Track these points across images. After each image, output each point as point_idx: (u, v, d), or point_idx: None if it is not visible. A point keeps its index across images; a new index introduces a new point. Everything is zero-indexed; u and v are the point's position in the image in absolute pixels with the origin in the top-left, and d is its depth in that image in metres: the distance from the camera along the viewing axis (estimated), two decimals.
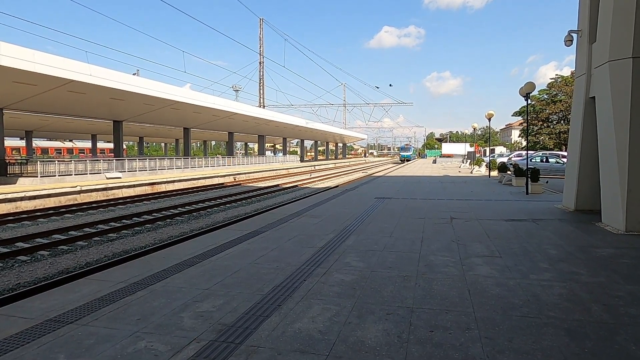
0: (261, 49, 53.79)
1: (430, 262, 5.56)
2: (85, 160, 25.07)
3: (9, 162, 23.19)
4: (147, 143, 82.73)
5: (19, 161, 24.54)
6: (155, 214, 14.49)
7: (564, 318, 3.69)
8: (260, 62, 54.52)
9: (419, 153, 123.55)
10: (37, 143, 53.83)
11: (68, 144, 60.89)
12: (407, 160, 72.62)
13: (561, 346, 3.16)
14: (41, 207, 16.27)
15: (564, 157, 23.63)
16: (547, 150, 44.33)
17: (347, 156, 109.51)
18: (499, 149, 59.27)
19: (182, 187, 25.07)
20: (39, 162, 21.44)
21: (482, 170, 27.93)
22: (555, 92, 53.63)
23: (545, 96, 54.83)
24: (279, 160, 54.81)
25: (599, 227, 7.90)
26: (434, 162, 55.27)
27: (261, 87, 55.01)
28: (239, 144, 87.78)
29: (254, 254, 6.06)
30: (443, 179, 22.38)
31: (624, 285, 4.57)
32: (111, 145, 46.27)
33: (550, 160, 25.14)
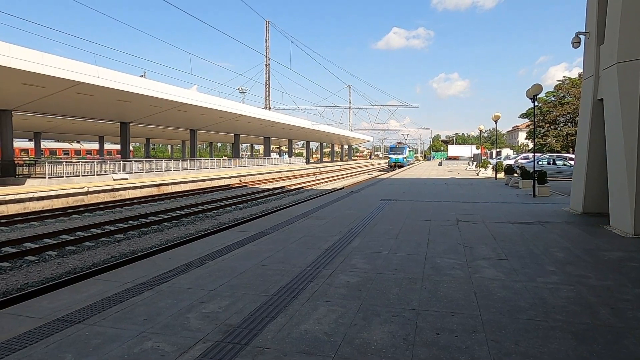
0: (267, 51, 53.98)
1: (436, 264, 5.54)
2: (93, 162, 25.27)
3: (18, 163, 23.40)
4: (154, 144, 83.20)
5: (28, 162, 24.75)
6: (161, 215, 14.57)
7: (571, 321, 3.66)
8: (266, 64, 54.71)
9: (424, 155, 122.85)
10: (45, 144, 54.35)
11: (76, 146, 61.41)
12: (400, 166, 49.69)
13: (568, 350, 3.14)
14: (49, 207, 16.42)
15: (571, 159, 23.44)
16: (554, 152, 44.06)
17: (352, 158, 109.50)
18: (506, 151, 58.94)
19: (188, 189, 25.18)
20: (47, 163, 21.64)
21: (489, 173, 27.79)
22: (562, 94, 53.30)
23: (553, 98, 54.51)
24: (284, 162, 54.89)
25: (607, 230, 7.83)
26: (440, 164, 54.99)
27: (267, 89, 55.18)
28: (244, 146, 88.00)
29: (260, 255, 6.08)
30: (449, 181, 22.29)
31: (632, 288, 4.52)
32: (118, 147, 46.65)
33: (557, 162, 24.96)
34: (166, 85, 25.93)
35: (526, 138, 74.75)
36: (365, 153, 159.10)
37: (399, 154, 53.82)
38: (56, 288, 5.49)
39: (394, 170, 44.23)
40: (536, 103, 14.17)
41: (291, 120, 48.06)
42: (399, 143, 60.20)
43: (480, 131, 37.31)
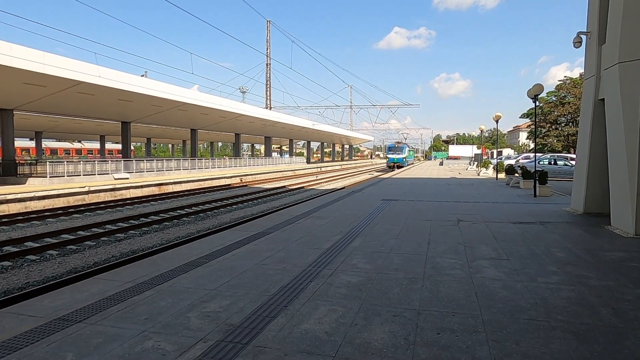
0: (268, 51, 53.96)
1: (436, 264, 5.53)
2: (94, 161, 25.31)
3: (19, 162, 23.45)
4: (155, 144, 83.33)
5: (29, 162, 24.82)
6: (162, 215, 14.57)
7: (573, 322, 3.66)
8: (267, 64, 54.69)
9: (425, 155, 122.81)
10: (47, 144, 54.39)
11: (77, 145, 61.47)
12: (399, 167, 48.24)
13: (570, 350, 3.13)
14: (50, 207, 16.43)
15: (572, 159, 23.42)
16: (556, 152, 44.03)
17: (353, 158, 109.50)
18: (507, 151, 58.93)
19: (189, 188, 25.20)
20: (48, 162, 21.66)
21: (490, 173, 27.77)
22: (563, 94, 53.26)
23: (554, 98, 54.47)
24: (285, 161, 54.90)
25: (608, 230, 7.82)
26: (441, 164, 54.88)
27: (268, 89, 55.16)
28: (245, 145, 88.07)
29: (261, 255, 6.08)
30: (450, 181, 22.28)
31: (633, 289, 4.52)
32: (119, 146, 46.68)
33: (558, 162, 24.93)
34: (167, 84, 25.94)
35: (527, 138, 74.67)
36: (366, 153, 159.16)
37: (398, 153, 51.62)
38: (57, 287, 5.50)
39: (393, 170, 43.21)
40: (537, 103, 14.15)
41: (292, 120, 48.05)
42: (398, 142, 57.78)
43: (481, 131, 37.28)
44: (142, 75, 28.19)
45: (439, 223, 8.72)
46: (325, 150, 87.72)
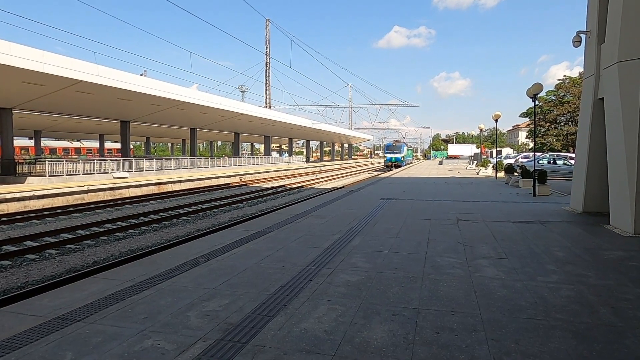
0: (267, 50, 53.97)
1: (436, 263, 5.54)
2: (93, 160, 25.28)
3: (18, 161, 23.41)
4: (154, 143, 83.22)
5: (28, 161, 24.75)
6: (161, 214, 14.56)
7: (572, 320, 3.66)
8: (266, 63, 54.68)
9: (425, 154, 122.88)
10: (46, 143, 54.30)
11: (76, 144, 61.35)
12: (397, 166, 46.89)
13: (569, 349, 3.14)
14: (49, 206, 16.41)
15: (571, 158, 23.44)
16: (555, 151, 44.09)
17: (352, 157, 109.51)
18: (506, 151, 58.99)
19: (188, 187, 25.18)
20: (47, 161, 21.65)
21: (489, 172, 27.78)
22: (563, 93, 53.32)
23: (553, 97, 54.51)
24: (284, 160, 54.89)
25: (607, 230, 7.82)
26: (440, 163, 54.90)
27: (267, 88, 55.16)
28: (245, 145, 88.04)
29: (260, 254, 6.08)
30: (449, 180, 22.29)
31: (632, 288, 4.52)
32: (118, 145, 46.61)
33: (557, 161, 24.97)
34: (166, 83, 25.92)
35: (526, 137, 74.76)
36: (365, 152, 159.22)
37: (396, 152, 50.36)
38: (56, 286, 5.49)
39: (391, 170, 42.37)
40: (537, 102, 14.16)
41: (291, 119, 48.03)
42: (395, 141, 56.48)
43: (481, 130, 37.34)
44: (141, 75, 28.15)
45: (439, 222, 8.72)
46: (324, 149, 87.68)
